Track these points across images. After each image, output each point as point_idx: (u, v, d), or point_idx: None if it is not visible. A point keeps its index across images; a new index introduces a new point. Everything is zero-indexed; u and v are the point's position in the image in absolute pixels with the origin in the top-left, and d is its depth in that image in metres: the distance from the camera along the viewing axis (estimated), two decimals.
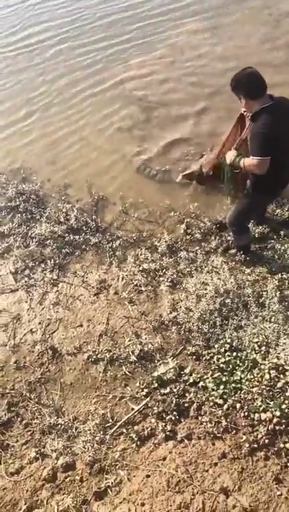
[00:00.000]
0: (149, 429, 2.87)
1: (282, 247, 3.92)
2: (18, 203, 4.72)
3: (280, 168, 3.09)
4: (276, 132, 2.93)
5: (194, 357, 3.26)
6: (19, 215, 4.62)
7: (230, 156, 3.34)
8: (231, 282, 3.65)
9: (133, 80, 6.34)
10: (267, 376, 2.92)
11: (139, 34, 7.16)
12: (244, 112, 3.32)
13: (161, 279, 3.89)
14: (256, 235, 4.06)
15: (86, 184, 4.94)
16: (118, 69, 6.57)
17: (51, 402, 3.16)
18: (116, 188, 4.90)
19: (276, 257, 3.87)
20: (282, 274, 3.67)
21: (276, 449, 2.61)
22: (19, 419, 3.09)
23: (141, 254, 4.12)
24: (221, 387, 2.95)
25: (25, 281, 4.04)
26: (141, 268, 3.99)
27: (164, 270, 3.95)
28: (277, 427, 2.67)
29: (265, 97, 2.95)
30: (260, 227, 4.12)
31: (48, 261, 4.17)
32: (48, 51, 7.14)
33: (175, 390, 3.02)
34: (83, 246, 4.30)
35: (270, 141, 2.94)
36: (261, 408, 2.78)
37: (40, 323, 3.72)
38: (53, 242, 4.31)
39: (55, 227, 4.42)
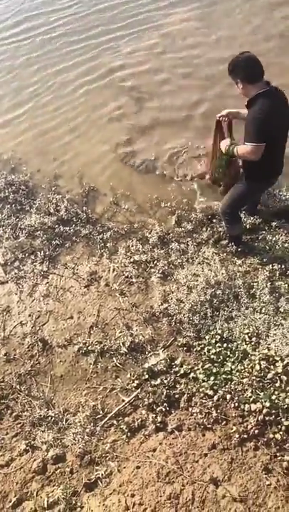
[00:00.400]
0: (139, 420, 2.86)
1: (274, 238, 3.91)
2: (7, 193, 4.66)
3: (273, 155, 3.09)
4: (272, 118, 2.93)
5: (185, 348, 3.26)
6: (8, 206, 4.55)
7: (224, 145, 3.33)
8: (222, 273, 3.64)
9: (124, 69, 6.26)
10: (257, 367, 2.92)
11: (133, 23, 7.06)
12: (222, 119, 3.43)
13: (153, 270, 3.87)
14: (248, 226, 4.05)
15: (76, 175, 4.90)
16: (109, 58, 6.48)
17: (41, 395, 3.14)
18: (107, 179, 4.86)
19: (267, 248, 3.86)
20: (273, 265, 3.67)
21: (266, 439, 2.62)
22: (9, 411, 3.07)
23: (132, 246, 4.09)
24: (212, 378, 2.95)
25: (15, 273, 4.00)
26: (132, 260, 3.97)
27: (155, 262, 3.93)
28: (266, 418, 2.68)
29: (262, 82, 2.95)
30: (252, 219, 4.11)
31: (38, 252, 4.13)
32: (39, 39, 7.02)
33: (166, 382, 3.02)
34: (74, 237, 4.26)
35: (266, 127, 2.94)
36: (251, 399, 2.78)
37: (30, 316, 3.69)
38: (43, 233, 4.27)
39: (45, 218, 4.37)
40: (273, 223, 4.07)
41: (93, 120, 5.59)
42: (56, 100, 5.94)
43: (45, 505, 2.48)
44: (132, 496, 2.41)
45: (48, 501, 2.50)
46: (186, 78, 5.98)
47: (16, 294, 3.87)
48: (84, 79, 6.18)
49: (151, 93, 5.82)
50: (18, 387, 3.19)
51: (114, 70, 6.25)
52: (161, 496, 2.38)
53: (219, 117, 3.48)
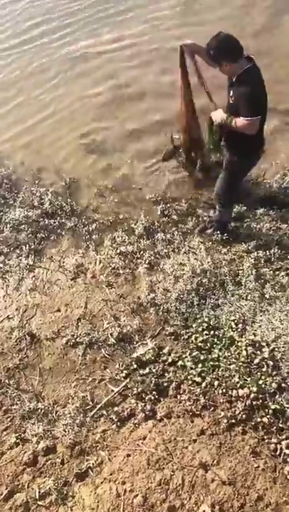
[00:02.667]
0: (128, 409, 2.88)
1: (258, 226, 3.95)
2: None
3: (261, 127, 3.15)
4: (263, 91, 3.01)
5: (173, 337, 3.27)
6: None
7: (219, 116, 3.23)
8: (208, 262, 3.66)
9: (104, 54, 6.19)
10: (244, 353, 2.96)
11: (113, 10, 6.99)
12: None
13: (139, 261, 3.88)
14: (233, 214, 4.06)
15: (59, 167, 4.86)
16: (91, 43, 6.40)
17: (30, 388, 3.14)
18: (90, 170, 4.83)
19: (252, 235, 3.89)
20: (258, 253, 3.70)
21: (253, 423, 2.66)
22: None
23: (118, 237, 4.09)
24: (199, 365, 2.98)
25: (0, 268, 3.97)
26: (118, 251, 3.96)
27: (141, 252, 3.93)
28: (254, 402, 2.72)
29: (243, 57, 2.97)
30: (237, 207, 4.12)
31: (23, 246, 4.10)
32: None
33: (154, 370, 3.03)
34: (59, 230, 4.24)
35: (260, 101, 3.01)
36: (239, 384, 2.82)
37: (17, 309, 3.68)
38: (28, 227, 4.24)
39: (29, 211, 4.34)
40: (258, 211, 4.10)
41: (75, 110, 5.53)
42: (36, 91, 5.86)
43: (37, 497, 2.50)
44: (123, 483, 2.44)
45: (39, 492, 2.51)
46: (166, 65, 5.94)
47: (2, 288, 3.85)
48: (63, 67, 6.13)
49: (130, 82, 5.77)
50: (6, 381, 3.18)
51: (95, 56, 6.18)
52: (151, 483, 2.41)
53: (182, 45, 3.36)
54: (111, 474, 2.52)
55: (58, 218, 4.31)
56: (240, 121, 3.08)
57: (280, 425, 2.62)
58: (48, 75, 6.10)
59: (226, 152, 3.51)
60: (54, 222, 4.27)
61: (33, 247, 4.11)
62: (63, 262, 3.99)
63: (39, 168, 4.88)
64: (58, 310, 3.64)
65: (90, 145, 5.10)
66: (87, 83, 5.86)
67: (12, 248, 4.13)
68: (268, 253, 3.71)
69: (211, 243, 3.91)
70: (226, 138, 3.40)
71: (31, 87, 5.95)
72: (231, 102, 3.14)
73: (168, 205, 4.32)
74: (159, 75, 5.72)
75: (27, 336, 3.45)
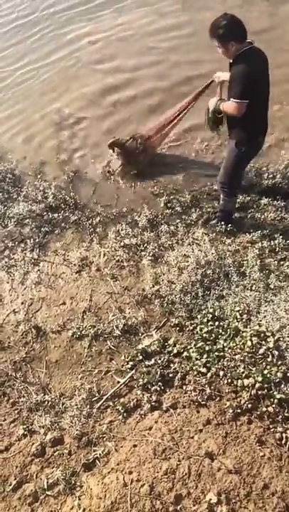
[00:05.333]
0: (135, 400, 2.90)
1: (262, 216, 3.93)
2: None
3: (258, 113, 3.16)
4: (256, 74, 2.99)
5: (178, 328, 3.28)
6: None
7: (212, 102, 3.39)
8: (212, 253, 3.65)
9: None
10: (249, 343, 2.96)
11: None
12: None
13: (143, 253, 3.88)
14: (236, 205, 4.04)
15: (62, 161, 4.85)
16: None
17: (37, 380, 3.17)
18: (92, 164, 4.82)
19: (256, 226, 3.88)
20: (262, 243, 3.69)
21: (259, 412, 2.67)
22: (6, 398, 3.10)
23: (122, 230, 4.09)
24: (205, 356, 2.99)
25: (6, 262, 4.00)
26: (122, 244, 3.97)
27: (145, 245, 3.93)
28: (259, 392, 2.73)
29: (245, 40, 2.98)
30: (241, 197, 4.11)
31: (28, 240, 4.11)
32: None
33: (159, 362, 3.05)
34: (63, 224, 4.25)
35: (250, 84, 2.98)
36: (244, 374, 2.82)
37: (22, 303, 3.70)
38: (32, 221, 4.25)
39: (33, 205, 4.35)
40: (262, 201, 4.09)
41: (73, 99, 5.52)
42: (38, 85, 5.86)
43: (45, 487, 2.53)
44: (130, 473, 2.46)
45: (47, 482, 2.54)
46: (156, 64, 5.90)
47: (8, 282, 3.88)
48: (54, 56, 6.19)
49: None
50: (13, 374, 3.22)
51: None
52: (158, 472, 2.43)
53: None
54: (118, 464, 2.55)
55: (62, 212, 4.32)
56: (226, 104, 3.12)
57: (286, 414, 2.63)
58: None
59: (228, 139, 3.51)
60: (58, 216, 4.28)
61: (37, 241, 4.12)
62: (68, 256, 4.01)
63: (42, 162, 4.88)
64: (63, 303, 3.66)
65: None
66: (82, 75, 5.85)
67: (17, 242, 4.15)
68: (272, 243, 3.69)
69: (215, 234, 3.90)
70: (228, 124, 3.42)
71: None
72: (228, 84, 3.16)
73: (171, 196, 4.31)
74: None
75: (33, 329, 3.48)
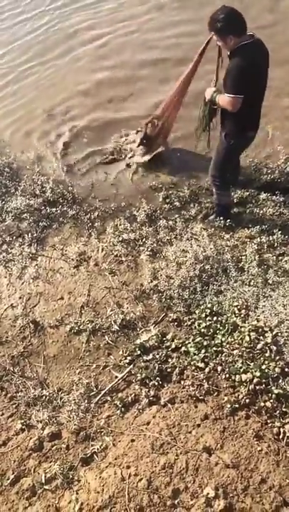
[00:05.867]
0: (132, 395, 2.90)
1: (261, 211, 3.92)
2: None
3: (251, 108, 3.13)
4: (252, 69, 2.95)
5: (176, 323, 3.28)
6: None
7: (209, 92, 3.32)
8: (211, 248, 3.64)
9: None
10: (247, 338, 2.96)
11: None
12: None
13: (141, 248, 3.87)
14: (235, 200, 4.04)
15: (60, 155, 4.83)
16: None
17: (35, 375, 3.17)
18: (91, 158, 4.81)
19: (255, 221, 3.87)
20: (260, 238, 3.68)
21: (256, 407, 2.67)
22: (3, 392, 3.10)
23: (120, 225, 4.08)
24: (203, 351, 2.99)
25: (3, 257, 3.98)
26: (120, 238, 3.95)
27: (143, 240, 3.92)
28: (257, 387, 2.73)
29: (245, 33, 2.94)
30: (239, 192, 4.10)
31: (26, 235, 4.10)
32: None
33: (157, 356, 3.05)
34: (61, 218, 4.23)
35: (245, 79, 2.95)
36: (242, 369, 2.82)
37: (20, 298, 3.69)
38: (30, 215, 4.23)
39: (31, 200, 4.33)
40: (260, 196, 4.08)
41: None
42: (36, 78, 5.82)
43: (43, 481, 2.53)
44: (128, 467, 2.46)
45: (45, 477, 2.55)
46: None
47: (5, 277, 3.86)
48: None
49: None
50: (11, 368, 3.21)
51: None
52: (155, 467, 2.43)
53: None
54: (116, 459, 2.55)
55: (60, 206, 4.29)
56: (221, 98, 3.10)
57: (283, 409, 2.63)
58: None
59: (220, 132, 3.49)
60: (56, 211, 4.26)
61: (35, 235, 4.11)
62: (66, 250, 3.99)
63: (39, 157, 4.85)
64: (61, 298, 3.65)
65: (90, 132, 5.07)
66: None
67: (14, 237, 4.13)
68: (270, 238, 3.69)
69: (213, 229, 3.89)
70: (220, 116, 3.40)
71: None
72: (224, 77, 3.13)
73: (170, 191, 4.29)
74: None
75: (31, 324, 3.47)
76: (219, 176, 3.62)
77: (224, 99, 3.08)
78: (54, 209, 4.27)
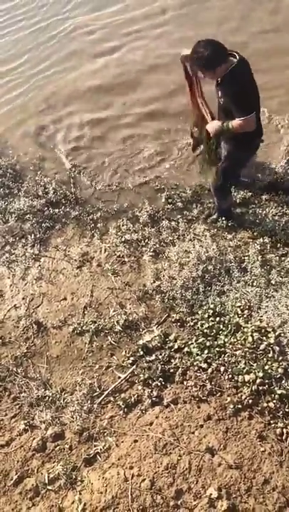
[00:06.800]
0: (135, 396, 2.91)
1: (264, 212, 3.92)
2: None
3: (257, 118, 3.15)
4: (250, 86, 3.03)
5: (178, 324, 3.29)
6: None
7: (214, 127, 3.22)
8: (213, 249, 3.64)
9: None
10: (250, 339, 2.96)
11: None
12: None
13: (144, 249, 3.87)
14: (238, 201, 4.04)
15: (63, 156, 4.84)
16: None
17: (38, 375, 3.17)
18: (92, 158, 4.81)
19: (257, 221, 3.86)
20: (263, 239, 3.68)
21: (259, 408, 2.67)
22: (7, 393, 3.11)
23: (122, 225, 4.08)
24: (205, 351, 2.98)
25: (6, 258, 3.99)
26: (123, 239, 3.95)
27: (146, 240, 3.92)
28: (260, 388, 2.73)
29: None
30: (242, 193, 4.09)
31: (29, 236, 4.10)
32: None
33: (160, 357, 3.05)
34: (64, 219, 4.24)
35: (248, 95, 3.01)
36: (245, 370, 2.82)
37: (23, 299, 3.70)
38: (33, 216, 4.23)
39: (34, 201, 4.33)
40: (263, 197, 4.07)
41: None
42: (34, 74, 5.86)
43: (46, 481, 2.54)
44: (131, 468, 2.47)
45: (48, 477, 2.55)
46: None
47: (9, 278, 3.87)
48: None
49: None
50: (14, 369, 3.22)
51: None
52: (158, 467, 2.44)
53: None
54: (119, 459, 2.55)
55: (63, 207, 4.30)
56: (236, 123, 3.06)
57: (287, 410, 2.63)
58: None
59: (224, 145, 3.48)
60: (59, 212, 4.26)
61: (38, 236, 4.11)
62: (69, 251, 4.00)
63: (42, 158, 4.86)
64: (64, 299, 3.65)
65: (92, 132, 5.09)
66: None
67: (17, 238, 4.14)
68: (273, 239, 3.69)
69: (216, 230, 3.88)
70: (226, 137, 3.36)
71: None
72: (221, 103, 3.14)
73: (172, 192, 4.29)
74: None
75: (34, 325, 3.48)
76: (222, 189, 3.66)
77: (240, 124, 3.02)
78: (57, 210, 4.27)
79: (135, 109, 5.25)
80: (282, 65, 5.17)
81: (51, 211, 4.27)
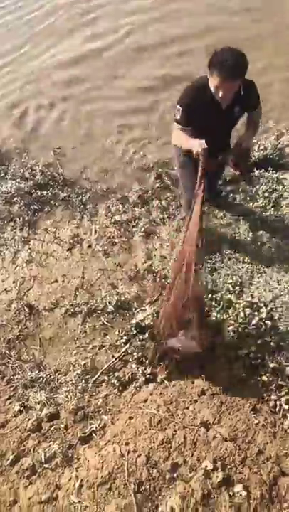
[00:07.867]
0: (129, 374, 2.91)
1: (254, 189, 3.90)
2: None
3: None
4: None
5: None
6: None
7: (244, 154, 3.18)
8: (204, 226, 3.61)
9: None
10: (242, 314, 2.96)
11: None
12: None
13: (134, 229, 3.84)
14: (227, 178, 4.01)
15: (50, 138, 4.76)
16: None
17: (31, 358, 3.16)
18: (79, 141, 4.74)
19: (248, 198, 3.85)
20: (254, 215, 3.67)
21: (253, 381, 2.69)
22: (0, 376, 3.09)
23: (112, 206, 4.04)
24: None
25: None
26: (113, 220, 3.92)
27: (136, 220, 3.89)
28: (253, 362, 2.75)
29: None
30: (232, 170, 4.05)
31: (17, 219, 4.05)
32: None
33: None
34: (52, 201, 4.18)
35: None
36: (238, 345, 2.83)
37: (14, 282, 3.67)
38: (21, 199, 4.17)
39: (21, 183, 4.27)
40: (253, 173, 4.04)
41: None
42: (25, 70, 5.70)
43: (43, 460, 2.54)
44: (126, 444, 2.48)
45: (45, 456, 2.56)
46: None
47: None
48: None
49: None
50: (7, 352, 3.21)
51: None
52: (154, 442, 2.45)
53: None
54: (114, 436, 2.57)
55: (51, 189, 4.24)
56: (257, 115, 2.98)
57: (279, 383, 2.65)
58: None
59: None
60: (47, 194, 4.20)
61: (26, 219, 4.06)
62: (58, 233, 3.96)
63: (28, 140, 4.78)
64: (56, 281, 3.63)
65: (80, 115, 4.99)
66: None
67: (6, 221, 4.09)
68: (264, 215, 3.67)
69: (206, 208, 3.85)
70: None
71: None
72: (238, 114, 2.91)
73: (160, 170, 4.24)
74: None
75: (25, 308, 3.45)
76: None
77: (260, 114, 3.00)
78: (45, 192, 4.22)
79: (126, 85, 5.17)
80: None
81: (39, 193, 4.21)
